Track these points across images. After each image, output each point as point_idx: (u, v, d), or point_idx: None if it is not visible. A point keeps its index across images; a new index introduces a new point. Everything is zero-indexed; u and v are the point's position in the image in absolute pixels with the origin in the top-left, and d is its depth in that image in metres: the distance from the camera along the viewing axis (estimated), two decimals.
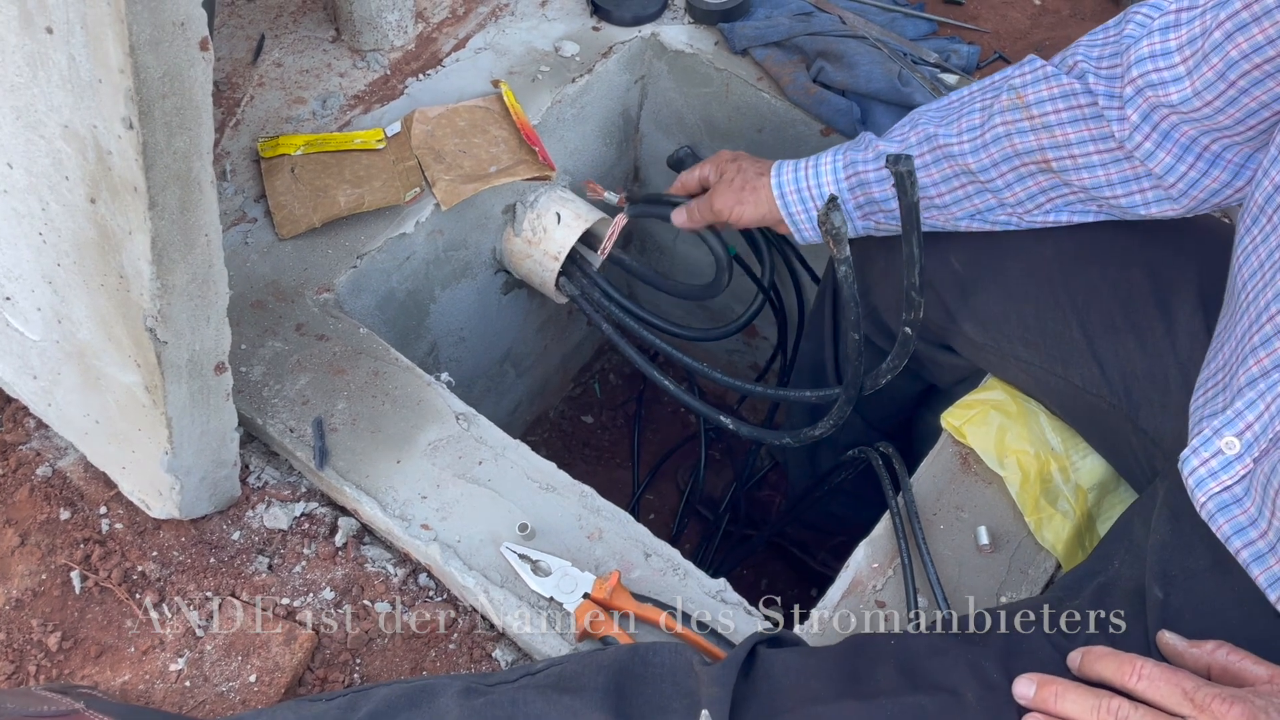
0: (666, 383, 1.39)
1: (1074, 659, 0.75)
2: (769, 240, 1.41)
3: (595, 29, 1.48)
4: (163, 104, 0.75)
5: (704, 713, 0.72)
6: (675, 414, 2.09)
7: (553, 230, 1.36)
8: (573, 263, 1.40)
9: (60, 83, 0.78)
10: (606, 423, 2.08)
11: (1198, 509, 0.81)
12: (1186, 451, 0.82)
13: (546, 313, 1.71)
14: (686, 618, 0.94)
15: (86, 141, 0.80)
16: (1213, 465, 0.80)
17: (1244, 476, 0.79)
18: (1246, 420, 0.79)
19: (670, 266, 1.83)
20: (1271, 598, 0.76)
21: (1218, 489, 0.80)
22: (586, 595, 0.95)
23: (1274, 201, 0.83)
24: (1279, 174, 0.82)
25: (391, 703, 0.83)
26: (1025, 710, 0.73)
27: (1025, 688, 0.73)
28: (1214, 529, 0.80)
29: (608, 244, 1.35)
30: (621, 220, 1.34)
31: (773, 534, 1.65)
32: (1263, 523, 0.77)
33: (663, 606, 0.95)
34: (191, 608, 1.01)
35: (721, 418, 1.34)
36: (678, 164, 1.42)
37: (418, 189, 1.27)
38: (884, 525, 1.04)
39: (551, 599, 0.96)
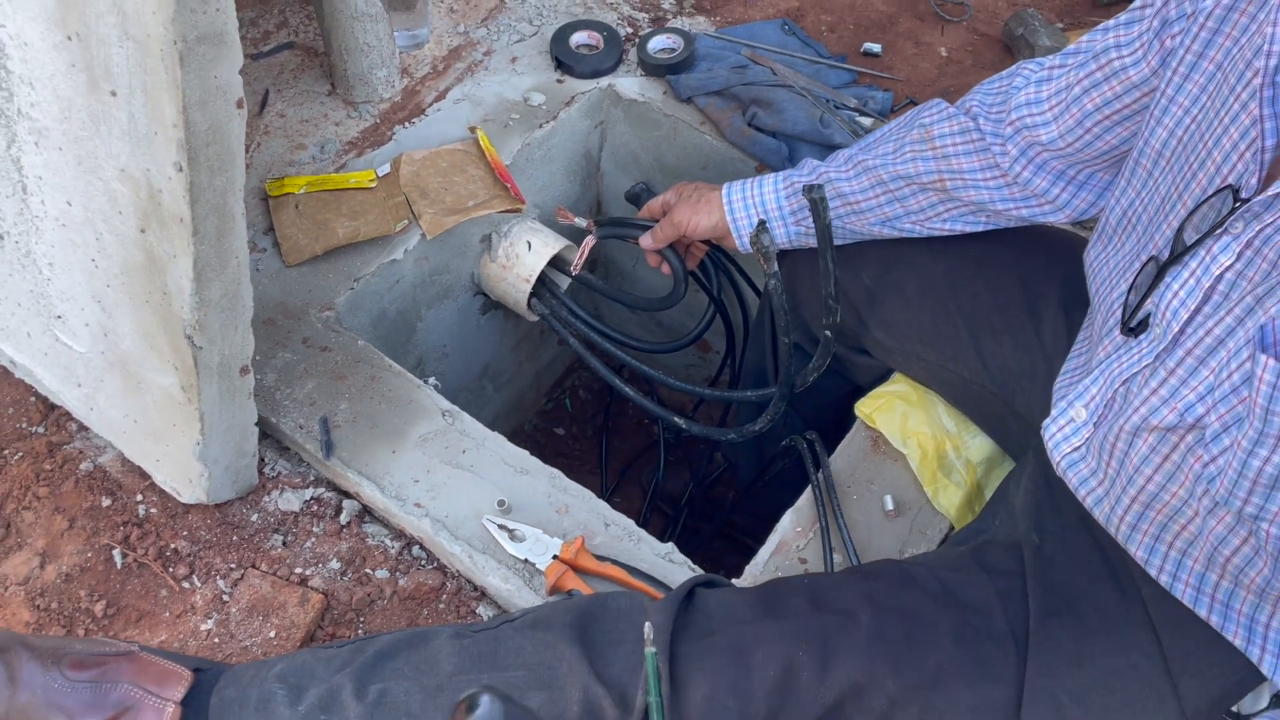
0: (627, 389, 1.54)
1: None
2: (716, 263, 1.58)
3: (559, 81, 1.65)
4: (206, 151, 0.91)
5: (646, 624, 0.87)
6: (639, 425, 2.24)
7: (524, 256, 1.53)
8: (543, 285, 1.56)
9: (120, 135, 0.94)
10: (577, 434, 2.24)
11: (1055, 467, 0.98)
12: (1047, 420, 0.99)
13: (521, 332, 1.87)
14: (639, 573, 1.10)
15: (140, 182, 0.96)
16: (1066, 431, 0.97)
17: (1088, 439, 0.96)
18: (1091, 394, 0.95)
19: (631, 287, 1.99)
20: (1110, 531, 0.93)
21: (1069, 450, 0.97)
22: (555, 557, 1.11)
23: (1121, 222, 1.00)
24: (1124, 200, 1.00)
25: (393, 645, 0.98)
26: (910, 626, 0.89)
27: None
28: (1067, 481, 0.97)
29: (579, 261, 1.50)
30: (590, 241, 1.50)
31: (723, 524, 1.81)
32: (1100, 473, 0.94)
33: (619, 565, 1.11)
34: (218, 578, 1.15)
35: (676, 419, 1.50)
36: (634, 198, 1.59)
37: (406, 221, 1.43)
38: (807, 496, 1.20)
39: (526, 561, 1.12)
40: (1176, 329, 0.84)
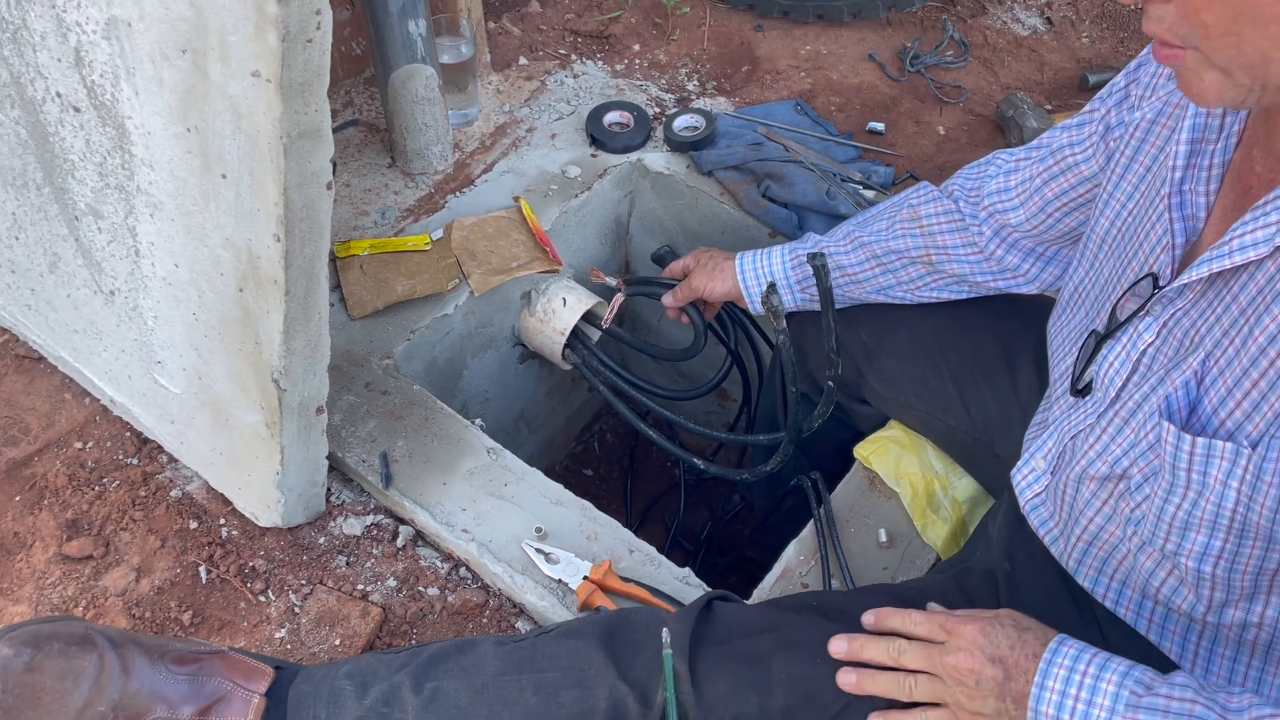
0: (650, 432, 1.67)
1: (868, 619, 1.00)
2: (734, 319, 1.72)
3: (593, 155, 1.81)
4: (300, 225, 1.06)
5: (664, 630, 1.00)
6: (661, 468, 2.37)
7: (560, 311, 1.67)
8: (576, 337, 1.70)
9: (227, 210, 1.10)
10: (604, 475, 2.36)
11: (1022, 509, 1.11)
12: (1015, 468, 1.12)
13: (554, 380, 2.01)
14: (659, 593, 1.22)
15: (241, 250, 1.12)
16: (1030, 478, 1.10)
17: (1047, 486, 1.08)
18: (1048, 447, 1.08)
19: (656, 340, 2.13)
20: (1064, 564, 1.05)
21: (1032, 495, 1.09)
22: (586, 578, 1.24)
23: (1073, 297, 1.13)
24: (1076, 277, 1.13)
25: (445, 650, 1.11)
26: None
27: (838, 645, 0.98)
28: (1030, 522, 1.09)
29: (609, 315, 1.64)
30: (620, 297, 1.64)
31: (739, 559, 1.92)
32: (1056, 515, 1.06)
33: (642, 585, 1.23)
34: (290, 592, 1.29)
35: (695, 460, 1.63)
36: (659, 259, 1.73)
37: (456, 280, 1.58)
38: (809, 528, 1.32)
39: (560, 580, 1.24)
40: (1113, 394, 0.96)
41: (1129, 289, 0.95)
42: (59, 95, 1.19)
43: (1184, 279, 0.87)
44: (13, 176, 1.34)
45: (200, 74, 1.02)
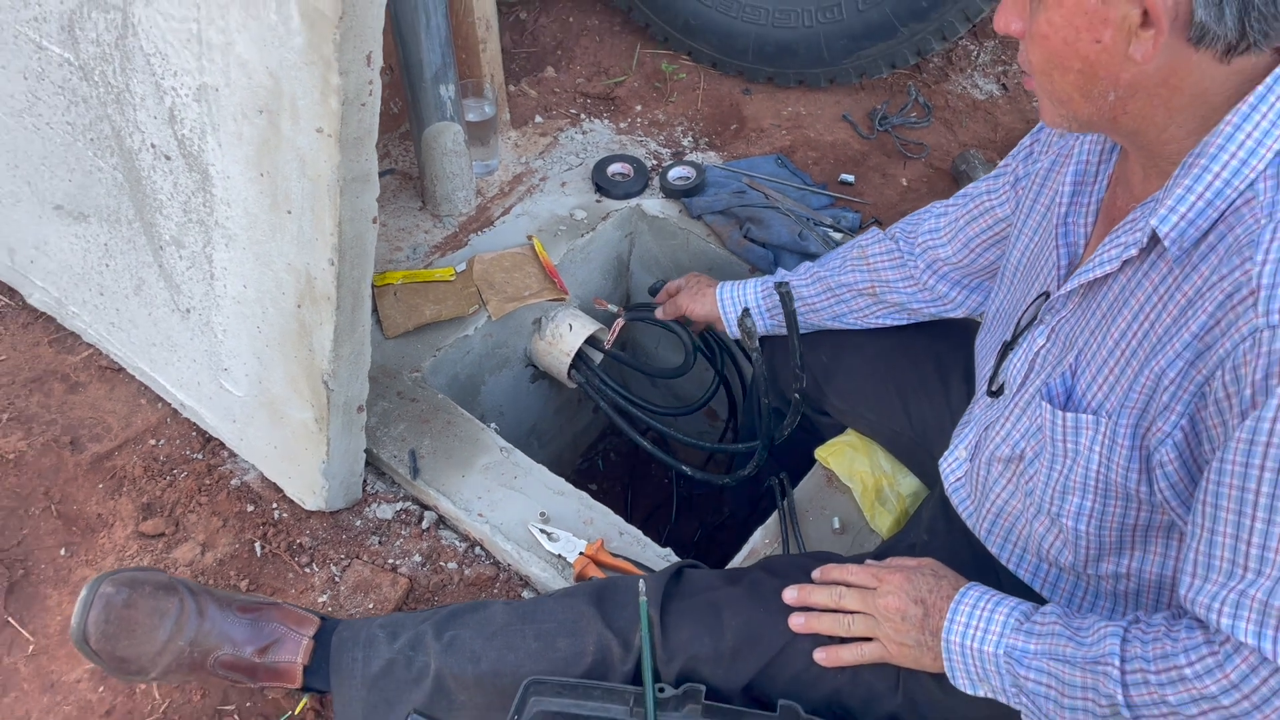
0: (645, 443, 1.87)
1: (815, 574, 1.19)
2: (721, 346, 1.92)
3: (598, 201, 2.03)
4: (350, 251, 1.28)
5: (640, 583, 1.19)
6: (658, 485, 2.55)
7: (566, 335, 1.87)
8: (580, 358, 1.90)
9: (290, 240, 1.31)
10: (607, 490, 2.55)
11: (946, 491, 1.29)
12: (942, 457, 1.31)
13: (561, 399, 2.21)
14: (643, 566, 1.41)
15: (301, 272, 1.33)
16: (953, 465, 1.29)
17: (966, 471, 1.27)
18: (969, 439, 1.27)
19: (651, 362, 2.33)
20: (977, 535, 1.24)
21: (954, 479, 1.28)
22: (581, 553, 1.43)
23: (994, 317, 1.32)
24: (996, 301, 1.32)
25: (461, 607, 1.30)
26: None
27: (790, 594, 1.17)
28: (952, 501, 1.28)
29: (612, 337, 1.84)
30: (620, 322, 1.84)
31: (724, 559, 2.10)
32: (972, 495, 1.24)
33: (629, 560, 1.42)
34: (331, 565, 1.48)
35: (683, 467, 1.82)
36: (654, 291, 1.93)
37: (477, 306, 1.79)
38: (773, 518, 1.51)
39: (559, 556, 1.43)
40: (1015, 389, 1.16)
41: (1029, 305, 1.15)
42: (153, 146, 1.41)
43: (1063, 290, 1.07)
44: (107, 213, 1.56)
45: (274, 129, 1.24)
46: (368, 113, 1.19)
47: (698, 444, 1.83)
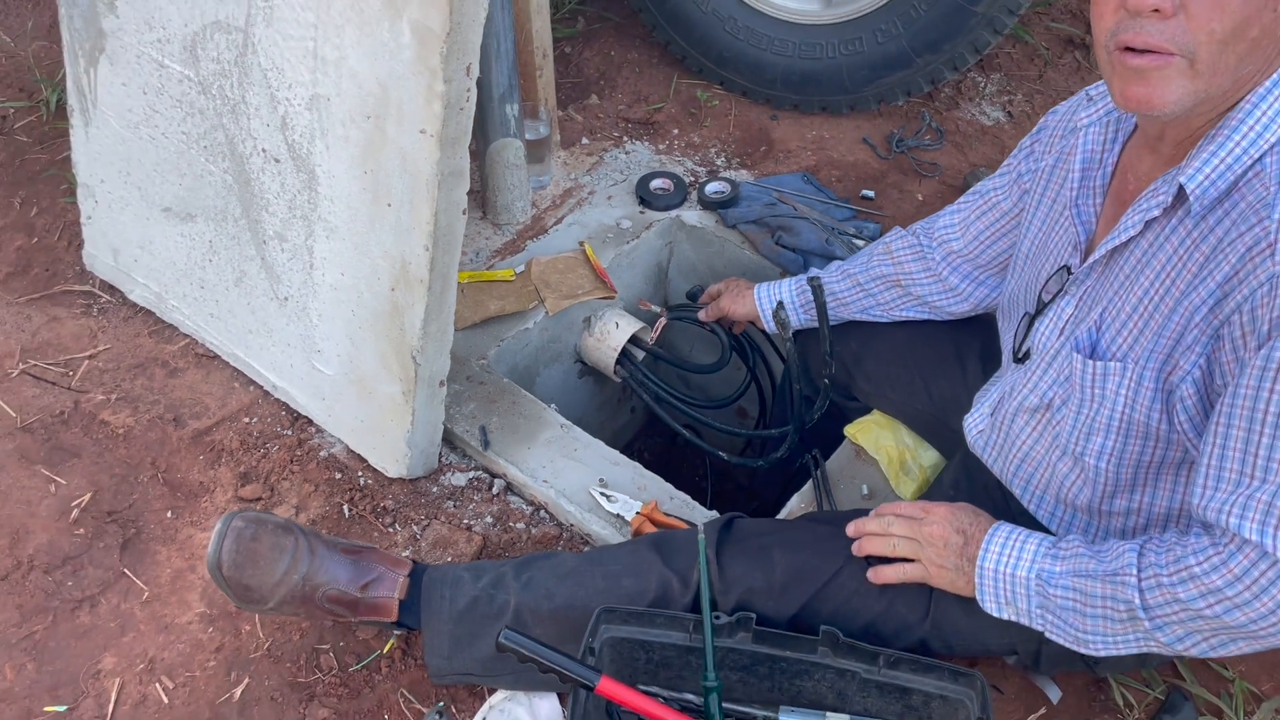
0: (681, 429, 2.01)
1: (872, 514, 1.34)
2: (753, 347, 2.07)
3: (641, 213, 2.19)
4: (443, 239, 1.44)
5: (699, 526, 1.33)
6: (691, 481, 2.67)
7: (614, 333, 2.03)
8: (625, 355, 2.05)
9: (388, 230, 1.47)
10: None
11: (969, 444, 1.43)
12: (967, 416, 1.45)
13: (604, 396, 2.35)
14: (692, 524, 1.55)
15: (396, 259, 1.49)
16: (976, 420, 1.43)
17: (989, 426, 1.41)
18: (993, 397, 1.40)
19: (688, 360, 2.47)
20: (1000, 478, 1.38)
21: (976, 432, 1.42)
22: (638, 513, 1.57)
23: (1010, 303, 1.45)
24: (1010, 288, 1.46)
25: (536, 555, 1.44)
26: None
27: (850, 529, 1.33)
28: (974, 450, 1.42)
29: (655, 333, 1.99)
30: (662, 321, 2.00)
31: None
32: (995, 443, 1.38)
33: (680, 519, 1.56)
34: (412, 525, 1.63)
35: (719, 453, 1.97)
36: (692, 296, 2.09)
37: (535, 303, 1.95)
38: (808, 485, 1.65)
39: (618, 515, 1.57)
40: (1043, 352, 1.30)
41: (1048, 280, 1.30)
42: (264, 150, 1.58)
43: (1090, 260, 1.22)
44: (215, 213, 1.73)
45: (379, 132, 1.41)
46: (465, 116, 1.36)
47: (733, 431, 1.98)
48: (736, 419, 2.54)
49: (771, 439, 1.97)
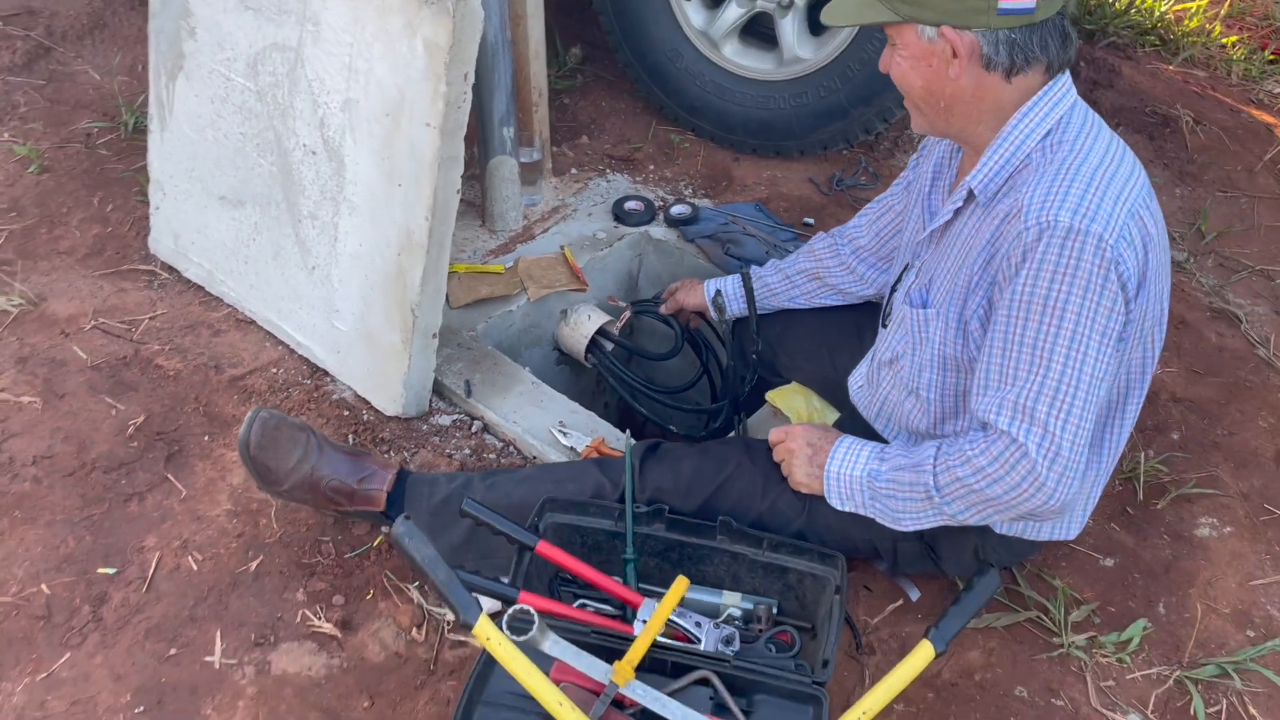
0: (639, 406, 2.32)
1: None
2: (705, 344, 2.39)
3: (615, 227, 2.53)
4: (440, 212, 1.78)
5: (628, 439, 1.64)
6: None
7: (585, 323, 2.35)
8: (594, 344, 2.37)
9: (398, 205, 1.82)
10: None
11: (851, 396, 1.75)
12: (850, 376, 1.77)
13: (581, 385, 2.66)
14: None
15: (403, 228, 1.83)
16: (855, 378, 1.74)
17: (866, 378, 1.73)
18: (867, 360, 1.73)
19: (648, 348, 2.79)
20: (868, 420, 1.69)
21: (856, 387, 1.74)
22: (588, 445, 1.88)
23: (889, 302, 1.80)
24: (893, 272, 1.81)
25: (499, 469, 1.75)
26: (768, 458, 1.63)
27: (772, 435, 1.64)
28: (854, 402, 1.74)
29: (620, 323, 2.32)
30: (627, 313, 2.32)
31: None
32: (868, 393, 1.70)
33: (621, 450, 1.87)
34: (405, 452, 1.94)
35: (669, 426, 2.27)
36: (656, 300, 2.42)
37: (519, 290, 2.29)
38: (732, 434, 1.96)
39: (571, 448, 1.88)
40: (894, 315, 1.63)
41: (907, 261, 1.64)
42: (305, 145, 1.94)
43: (921, 235, 1.56)
44: (261, 199, 2.09)
45: (395, 126, 1.77)
46: (461, 113, 1.71)
47: (679, 407, 2.29)
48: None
49: (710, 412, 2.29)
